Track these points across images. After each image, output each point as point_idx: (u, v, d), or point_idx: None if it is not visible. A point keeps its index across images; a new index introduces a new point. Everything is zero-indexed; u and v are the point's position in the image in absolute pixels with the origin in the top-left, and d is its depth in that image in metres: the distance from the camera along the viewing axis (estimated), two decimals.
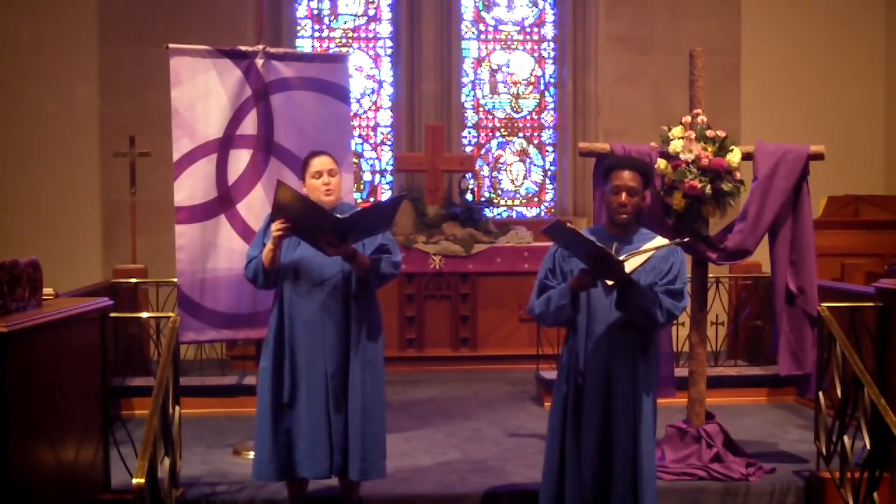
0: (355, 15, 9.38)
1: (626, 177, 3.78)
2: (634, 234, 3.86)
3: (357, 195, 8.67)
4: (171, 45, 5.22)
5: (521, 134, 9.56)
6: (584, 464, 3.77)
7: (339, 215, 3.98)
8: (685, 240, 3.78)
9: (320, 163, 4.22)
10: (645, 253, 3.64)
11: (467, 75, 9.48)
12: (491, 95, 9.53)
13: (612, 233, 3.85)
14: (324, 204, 4.13)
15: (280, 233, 4.04)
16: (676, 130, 4.92)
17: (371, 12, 9.39)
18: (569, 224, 3.59)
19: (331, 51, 9.13)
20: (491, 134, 9.54)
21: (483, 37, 9.53)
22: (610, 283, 3.70)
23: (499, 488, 4.70)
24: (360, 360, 4.12)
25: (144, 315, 6.41)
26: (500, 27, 9.54)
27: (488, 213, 8.81)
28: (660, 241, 3.80)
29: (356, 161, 8.91)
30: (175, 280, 5.37)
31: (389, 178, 9.37)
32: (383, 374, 4.25)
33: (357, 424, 4.09)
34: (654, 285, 3.74)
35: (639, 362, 3.78)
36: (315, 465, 4.10)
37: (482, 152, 9.50)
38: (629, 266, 3.60)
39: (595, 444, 3.77)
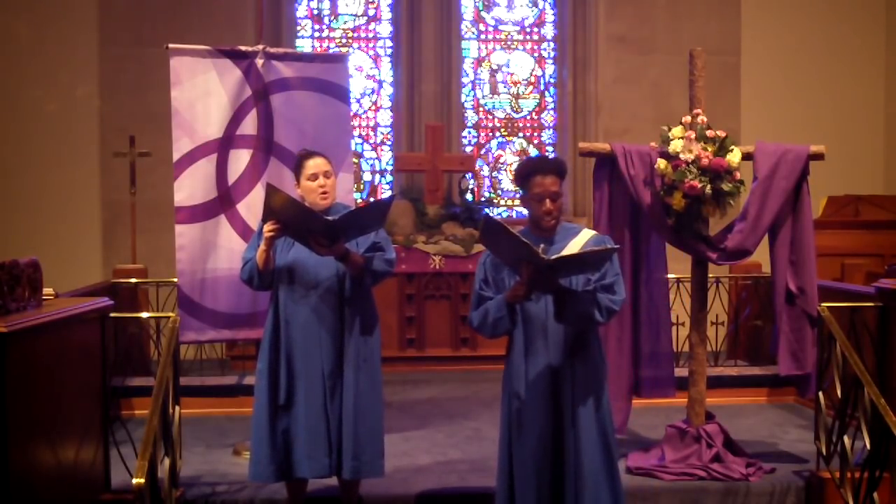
0: (355, 15, 9.39)
1: (548, 183, 3.71)
2: (558, 231, 3.81)
3: (357, 195, 8.66)
4: (171, 45, 5.22)
5: (521, 134, 9.57)
6: (530, 469, 3.69)
7: (329, 217, 3.97)
8: (616, 247, 3.70)
9: (315, 164, 4.19)
10: (573, 257, 3.58)
11: (467, 75, 9.48)
12: (491, 95, 9.54)
13: (537, 234, 3.79)
14: (319, 206, 4.12)
15: (271, 234, 4.03)
16: (676, 130, 4.92)
17: (371, 12, 9.40)
18: (497, 218, 3.52)
19: (331, 51, 9.14)
20: (491, 134, 9.55)
21: (483, 37, 9.53)
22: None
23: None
24: (355, 359, 4.11)
25: (144, 315, 6.41)
26: (500, 27, 9.55)
27: (488, 213, 8.80)
28: (585, 235, 3.78)
29: (356, 161, 8.91)
30: (175, 280, 5.37)
31: (389, 178, 9.37)
32: (380, 373, 4.23)
33: (350, 423, 4.07)
34: (587, 283, 3.69)
35: (577, 363, 3.71)
36: (314, 464, 4.09)
37: (482, 152, 9.50)
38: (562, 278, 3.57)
39: (539, 448, 3.69)
